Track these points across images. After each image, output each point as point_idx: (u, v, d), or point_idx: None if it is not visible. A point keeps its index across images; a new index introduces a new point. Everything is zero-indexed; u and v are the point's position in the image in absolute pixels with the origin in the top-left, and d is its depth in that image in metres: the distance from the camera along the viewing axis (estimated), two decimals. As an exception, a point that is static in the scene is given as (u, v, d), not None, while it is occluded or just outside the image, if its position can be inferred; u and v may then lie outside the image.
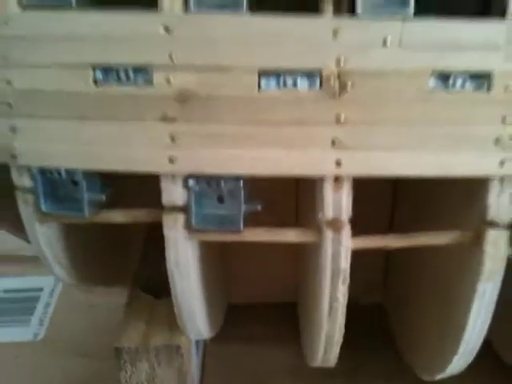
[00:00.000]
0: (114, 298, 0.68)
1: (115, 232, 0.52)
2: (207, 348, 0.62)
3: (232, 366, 0.59)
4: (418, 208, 0.50)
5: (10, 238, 0.66)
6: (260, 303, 0.65)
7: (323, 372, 0.56)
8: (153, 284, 0.50)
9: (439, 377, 0.45)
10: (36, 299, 0.71)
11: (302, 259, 0.53)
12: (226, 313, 0.61)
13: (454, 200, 0.40)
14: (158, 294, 0.49)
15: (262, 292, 0.64)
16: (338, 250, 0.36)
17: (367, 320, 0.62)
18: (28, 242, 0.49)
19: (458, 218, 0.39)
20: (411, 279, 0.54)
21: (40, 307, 0.70)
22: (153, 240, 0.56)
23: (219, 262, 0.59)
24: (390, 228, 0.58)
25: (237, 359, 0.60)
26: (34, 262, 0.76)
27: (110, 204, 0.39)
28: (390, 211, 0.57)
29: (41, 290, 0.73)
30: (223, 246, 0.60)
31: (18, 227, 0.48)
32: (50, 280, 0.74)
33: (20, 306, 0.70)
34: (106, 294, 0.70)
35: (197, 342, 0.56)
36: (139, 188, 0.41)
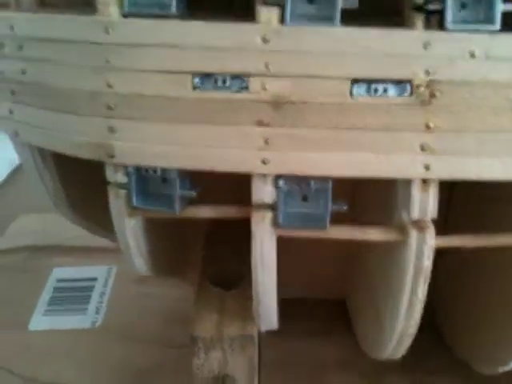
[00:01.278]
0: (166, 288, 0.71)
1: (182, 226, 0.54)
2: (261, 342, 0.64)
3: (287, 360, 0.61)
4: (471, 209, 0.52)
5: (61, 227, 0.68)
6: (310, 299, 0.66)
7: (376, 366, 0.59)
8: (221, 277, 0.52)
9: (502, 370, 0.47)
10: (91, 288, 0.74)
11: (360, 257, 0.55)
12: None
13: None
14: (227, 286, 0.51)
15: (313, 288, 0.66)
16: (422, 249, 0.38)
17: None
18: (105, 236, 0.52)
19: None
20: (462, 274, 0.55)
21: (95, 296, 0.72)
22: (215, 236, 0.59)
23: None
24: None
25: (291, 354, 0.62)
26: (87, 252, 0.80)
27: (195, 201, 0.41)
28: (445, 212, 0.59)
29: (95, 279, 0.75)
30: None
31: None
32: (103, 270, 0.77)
33: (76, 295, 0.73)
34: (158, 284, 0.72)
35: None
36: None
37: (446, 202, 0.59)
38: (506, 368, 0.46)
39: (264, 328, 0.49)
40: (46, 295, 0.73)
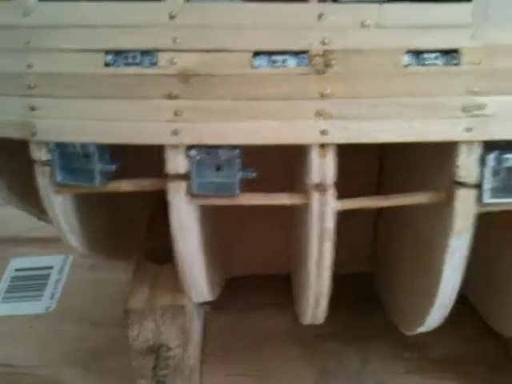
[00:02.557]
0: (119, 273, 0.73)
1: (124, 207, 0.56)
2: (207, 316, 0.66)
3: (231, 331, 0.64)
4: (400, 172, 0.54)
5: (18, 219, 0.70)
6: (258, 275, 0.69)
7: (315, 334, 0.61)
8: (158, 252, 0.54)
9: (420, 330, 0.50)
10: (47, 277, 0.76)
11: (294, 227, 0.58)
12: (226, 284, 0.65)
13: (429, 163, 0.44)
14: (163, 261, 0.53)
15: (261, 264, 0.68)
16: (324, 210, 0.40)
17: (358, 287, 0.67)
18: (39, 218, 0.54)
19: (432, 180, 0.43)
20: (394, 244, 0.58)
21: (51, 283, 0.74)
22: (157, 213, 0.61)
23: (220, 233, 0.63)
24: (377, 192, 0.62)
25: (236, 325, 0.65)
26: (43, 242, 0.82)
27: (119, 176, 0.43)
28: (377, 179, 0.62)
29: (51, 268, 0.77)
30: (224, 221, 0.65)
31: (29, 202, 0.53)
32: (59, 259, 0.79)
33: (32, 283, 0.75)
34: (111, 270, 0.74)
35: (198, 308, 0.60)
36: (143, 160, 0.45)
37: (377, 170, 0.61)
38: (423, 328, 0.49)
39: (196, 298, 0.51)
40: (3, 284, 0.75)
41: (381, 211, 0.63)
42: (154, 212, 0.61)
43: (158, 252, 0.54)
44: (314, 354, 0.60)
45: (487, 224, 0.42)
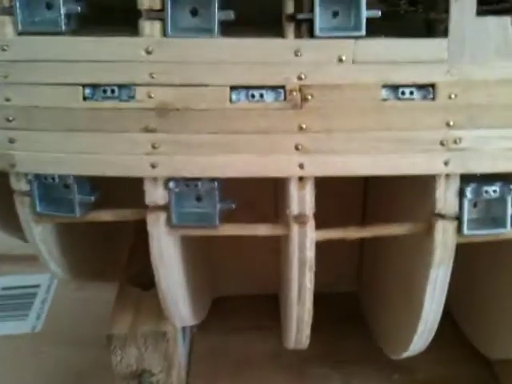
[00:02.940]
0: (106, 292, 0.73)
1: (105, 230, 0.56)
2: (194, 338, 0.66)
3: (217, 353, 0.64)
4: (382, 202, 0.54)
5: (4, 237, 0.70)
6: (244, 295, 0.69)
7: (300, 357, 0.61)
8: (141, 277, 0.54)
9: (405, 355, 0.50)
10: (33, 295, 0.76)
11: (281, 254, 0.58)
12: (212, 305, 0.65)
13: (409, 195, 0.44)
14: (147, 286, 0.53)
15: (246, 285, 0.68)
16: (304, 241, 0.40)
17: (341, 308, 0.67)
18: (25, 241, 0.53)
19: (413, 211, 0.43)
20: (379, 269, 0.58)
21: (37, 303, 0.74)
22: (140, 237, 0.60)
23: (205, 257, 0.63)
24: (362, 221, 0.62)
25: (222, 347, 0.65)
26: (30, 261, 0.82)
27: (100, 205, 0.43)
28: (362, 208, 0.62)
29: (38, 286, 0.77)
30: (209, 243, 0.65)
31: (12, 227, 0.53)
32: (46, 277, 0.79)
33: (18, 302, 0.75)
34: (99, 289, 0.74)
35: (184, 331, 0.60)
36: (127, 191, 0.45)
37: (362, 191, 0.62)
38: (408, 353, 0.49)
39: (179, 324, 0.51)
40: (-11, 304, 0.75)
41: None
42: (137, 235, 0.61)
43: (141, 277, 0.54)
44: (299, 377, 0.60)
45: (472, 247, 0.42)
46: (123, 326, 0.49)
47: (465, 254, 0.42)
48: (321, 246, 0.57)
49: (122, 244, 0.62)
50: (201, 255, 0.60)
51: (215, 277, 0.68)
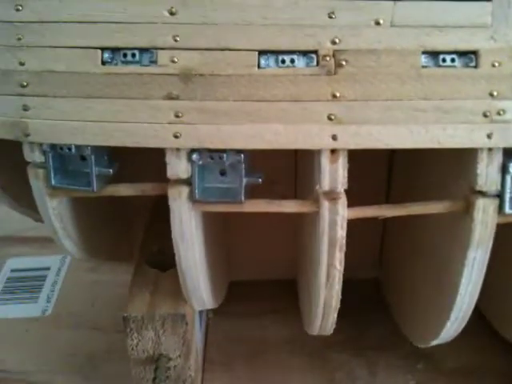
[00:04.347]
0: (119, 274, 0.71)
1: (122, 208, 0.54)
2: (210, 322, 0.64)
3: (233, 338, 0.62)
4: (412, 180, 0.52)
5: (15, 218, 0.68)
6: (260, 280, 0.67)
7: (320, 343, 0.59)
8: (159, 257, 0.52)
9: (434, 343, 0.48)
10: (43, 278, 0.74)
11: (301, 234, 0.55)
12: (228, 289, 0.63)
13: (446, 171, 0.42)
14: (164, 267, 0.51)
15: (263, 269, 0.66)
16: (335, 219, 0.38)
17: (365, 293, 0.65)
18: (36, 219, 0.51)
19: (449, 188, 0.41)
20: (405, 252, 0.56)
21: (47, 285, 0.72)
22: (157, 216, 0.58)
23: (222, 238, 0.61)
24: (386, 200, 0.60)
25: (238, 332, 0.62)
26: (41, 242, 0.80)
27: (118, 179, 0.41)
28: (387, 184, 0.60)
29: (48, 269, 0.75)
30: (226, 224, 0.63)
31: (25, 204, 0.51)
32: (57, 259, 0.76)
33: (28, 284, 0.73)
34: (111, 272, 0.72)
35: (200, 315, 0.58)
36: (147, 163, 0.43)
37: (386, 177, 0.59)
38: (438, 341, 0.47)
39: (198, 307, 0.49)
40: (-1, 285, 0.73)
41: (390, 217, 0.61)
42: (155, 214, 0.58)
43: (159, 257, 0.52)
44: (320, 364, 0.58)
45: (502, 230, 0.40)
46: (140, 307, 0.47)
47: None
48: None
49: (139, 223, 0.59)
50: (220, 237, 0.58)
51: (230, 261, 0.66)
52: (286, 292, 0.65)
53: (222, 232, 0.60)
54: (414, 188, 0.51)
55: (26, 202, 0.50)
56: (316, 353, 0.59)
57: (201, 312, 0.58)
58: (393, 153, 0.58)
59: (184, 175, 0.38)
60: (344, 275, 0.57)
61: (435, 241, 0.45)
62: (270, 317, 0.63)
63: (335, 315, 0.43)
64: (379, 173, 0.60)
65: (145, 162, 0.44)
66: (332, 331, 0.47)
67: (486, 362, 0.58)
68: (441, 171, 0.43)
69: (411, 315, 0.53)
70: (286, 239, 0.62)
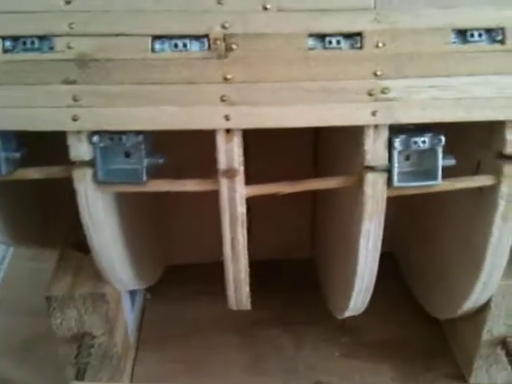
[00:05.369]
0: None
1: (49, 193, 0.55)
2: (146, 304, 0.66)
3: (168, 319, 0.63)
4: (328, 159, 0.54)
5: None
6: (197, 264, 0.68)
7: (250, 320, 0.61)
8: (82, 241, 0.53)
9: (347, 314, 0.50)
10: (-14, 266, 0.74)
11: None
12: (165, 273, 0.64)
13: (343, 148, 0.44)
14: (88, 250, 0.52)
15: (199, 253, 0.67)
16: (234, 196, 0.40)
17: (295, 275, 0.67)
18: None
19: (347, 164, 0.43)
20: (327, 229, 0.58)
21: (-10, 273, 0.73)
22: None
23: (153, 223, 0.62)
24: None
25: (173, 314, 0.64)
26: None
27: (32, 163, 0.42)
28: (313, 162, 0.61)
29: (-9, 257, 0.76)
30: (159, 208, 0.64)
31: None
32: (0, 248, 0.77)
33: (-29, 272, 0.73)
34: (52, 259, 0.73)
35: (133, 296, 0.60)
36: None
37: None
38: (349, 312, 0.49)
39: (120, 288, 0.50)
40: None
41: (317, 198, 0.63)
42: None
43: (83, 240, 0.53)
44: (249, 340, 0.60)
45: (420, 202, 0.41)
46: (62, 287, 0.48)
47: (414, 210, 0.42)
48: (274, 211, 0.57)
49: (67, 210, 0.60)
50: (148, 220, 0.59)
51: (168, 245, 0.67)
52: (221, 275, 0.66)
53: (152, 215, 0.61)
54: (328, 166, 0.53)
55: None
56: (246, 330, 0.61)
57: (134, 293, 0.60)
58: (317, 132, 0.60)
59: (86, 157, 0.39)
60: (278, 256, 0.60)
61: (340, 216, 0.47)
62: (205, 298, 0.65)
63: (247, 288, 0.45)
64: (305, 151, 0.62)
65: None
66: (249, 305, 0.48)
67: (408, 335, 0.60)
68: (341, 149, 0.45)
69: (329, 288, 0.55)
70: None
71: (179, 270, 0.67)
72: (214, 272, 0.68)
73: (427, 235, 0.57)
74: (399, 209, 0.65)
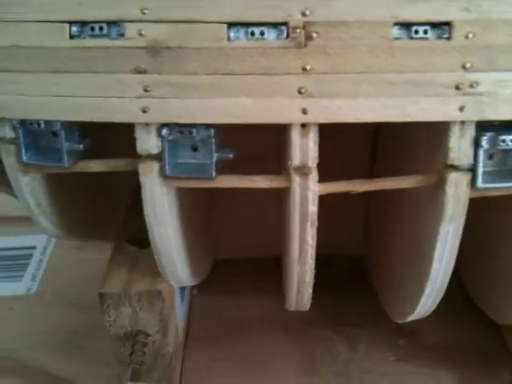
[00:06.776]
0: (106, 253, 0.71)
1: (102, 186, 0.54)
2: (193, 300, 0.64)
3: (216, 315, 0.62)
4: (393, 156, 0.51)
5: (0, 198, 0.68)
6: (245, 258, 0.67)
7: (302, 319, 0.59)
8: (138, 235, 0.51)
9: (410, 318, 0.48)
10: (29, 256, 0.74)
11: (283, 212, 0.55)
12: (213, 267, 0.63)
13: (421, 145, 0.42)
14: (143, 244, 0.50)
15: (248, 247, 0.66)
16: (306, 195, 0.37)
17: (350, 270, 0.65)
18: (14, 196, 0.51)
19: (424, 162, 0.41)
20: (387, 228, 0.56)
21: (33, 264, 0.72)
22: (139, 195, 0.58)
23: (204, 217, 0.61)
24: (370, 175, 0.59)
25: (221, 309, 0.63)
26: (27, 221, 0.79)
27: (95, 154, 0.40)
28: (370, 160, 0.59)
29: (34, 248, 0.75)
30: (211, 202, 0.62)
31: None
32: (43, 239, 0.76)
33: (13, 263, 0.73)
34: (98, 250, 0.72)
35: (182, 293, 0.58)
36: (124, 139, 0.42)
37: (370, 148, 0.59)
38: (414, 316, 0.47)
39: (175, 284, 0.49)
40: (-17, 265, 0.73)
41: (374, 193, 0.61)
42: (136, 192, 0.58)
43: (139, 235, 0.51)
44: (301, 340, 0.59)
45: (486, 205, 0.39)
46: (117, 284, 0.47)
47: (479, 213, 0.39)
48: (326, 205, 0.55)
49: (121, 203, 0.59)
50: (200, 214, 0.58)
51: (216, 238, 0.65)
52: (270, 270, 0.65)
53: (204, 209, 0.60)
54: (394, 163, 0.51)
55: (3, 180, 0.50)
56: (297, 329, 0.59)
57: (183, 289, 0.58)
58: (378, 127, 0.58)
59: (154, 150, 0.37)
60: (328, 251, 0.57)
61: (412, 216, 0.45)
62: (253, 294, 0.63)
63: (310, 290, 0.43)
64: (364, 147, 0.60)
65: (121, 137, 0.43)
66: (309, 306, 0.47)
67: (465, 337, 0.58)
68: (416, 145, 0.43)
69: (390, 290, 0.53)
70: (271, 217, 0.62)
71: (224, 265, 0.65)
72: (259, 267, 0.67)
73: (490, 238, 0.54)
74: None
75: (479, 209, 0.41)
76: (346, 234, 0.64)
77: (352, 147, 0.58)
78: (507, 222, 0.50)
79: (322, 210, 0.60)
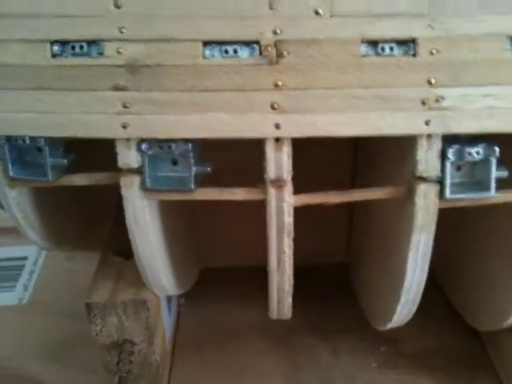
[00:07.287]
0: (94, 264, 0.72)
1: (90, 198, 0.55)
2: (181, 309, 0.65)
3: (204, 324, 0.63)
4: (370, 168, 0.53)
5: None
6: (231, 267, 0.68)
7: (287, 327, 0.60)
8: (124, 246, 0.53)
9: (389, 326, 0.49)
10: (21, 267, 0.75)
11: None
12: (199, 276, 0.64)
13: (392, 158, 0.43)
14: (129, 256, 0.52)
15: (233, 256, 0.67)
16: (281, 206, 0.39)
17: (331, 279, 0.66)
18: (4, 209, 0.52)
19: (395, 174, 0.42)
20: (365, 238, 0.57)
21: (25, 274, 0.73)
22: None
23: (189, 227, 0.62)
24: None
25: (208, 318, 0.64)
26: (19, 233, 0.81)
27: (79, 169, 0.42)
28: (352, 172, 0.61)
29: (25, 258, 0.76)
30: (194, 213, 0.63)
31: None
32: (34, 250, 0.77)
33: (5, 273, 0.74)
34: (88, 261, 0.73)
35: (169, 302, 0.59)
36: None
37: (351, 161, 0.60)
38: (391, 324, 0.48)
39: (160, 294, 0.50)
40: (-26, 275, 0.74)
41: (355, 204, 0.62)
42: (121, 205, 0.59)
43: (125, 246, 0.53)
44: (286, 347, 0.60)
45: (461, 214, 0.40)
46: (103, 294, 0.48)
47: (454, 222, 0.41)
48: (309, 216, 0.56)
49: (107, 214, 0.60)
50: (184, 224, 0.59)
51: (202, 248, 0.66)
52: (257, 278, 0.66)
53: (188, 219, 0.61)
54: (370, 176, 0.52)
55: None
56: (282, 337, 0.60)
57: (170, 298, 0.60)
58: (357, 141, 0.59)
59: (135, 165, 0.39)
60: (312, 260, 0.58)
61: (386, 226, 0.46)
62: (240, 303, 0.64)
63: (290, 299, 0.45)
64: (346, 160, 0.61)
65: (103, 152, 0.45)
66: (290, 315, 0.48)
67: (446, 345, 0.59)
68: (388, 158, 0.44)
69: (369, 299, 0.55)
70: (255, 226, 0.63)
71: (211, 274, 0.66)
72: (246, 275, 0.68)
73: (468, 244, 0.56)
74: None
75: (457, 217, 0.42)
76: (329, 243, 0.65)
77: (335, 160, 0.59)
78: (483, 227, 0.51)
79: (307, 220, 0.61)
